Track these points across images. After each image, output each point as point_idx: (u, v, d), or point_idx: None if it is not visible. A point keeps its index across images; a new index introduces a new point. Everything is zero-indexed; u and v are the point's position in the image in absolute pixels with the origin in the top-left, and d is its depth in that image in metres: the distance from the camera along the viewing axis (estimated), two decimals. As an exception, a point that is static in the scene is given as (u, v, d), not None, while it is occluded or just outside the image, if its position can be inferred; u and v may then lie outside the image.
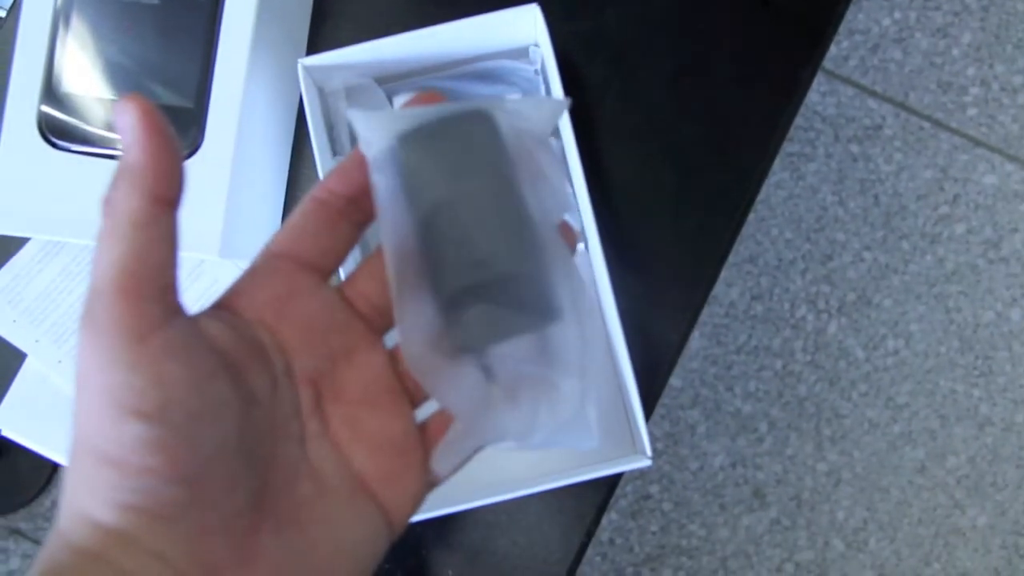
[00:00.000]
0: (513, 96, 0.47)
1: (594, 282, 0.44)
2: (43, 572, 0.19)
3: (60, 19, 0.43)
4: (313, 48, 0.51)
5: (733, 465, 1.19)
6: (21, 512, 1.09)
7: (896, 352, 1.19)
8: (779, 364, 1.19)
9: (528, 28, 0.45)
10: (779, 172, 1.20)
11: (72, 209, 0.42)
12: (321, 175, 0.43)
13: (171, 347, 0.20)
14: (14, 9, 0.51)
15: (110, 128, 0.43)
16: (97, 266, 0.20)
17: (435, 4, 0.50)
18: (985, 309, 1.18)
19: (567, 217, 0.45)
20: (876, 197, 1.19)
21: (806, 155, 1.20)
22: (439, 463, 0.24)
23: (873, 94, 1.20)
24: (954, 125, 1.20)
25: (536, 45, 0.46)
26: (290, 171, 0.51)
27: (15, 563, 1.11)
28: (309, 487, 0.23)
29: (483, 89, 0.47)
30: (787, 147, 1.20)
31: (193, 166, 0.42)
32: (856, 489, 1.18)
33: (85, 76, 0.43)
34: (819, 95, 1.20)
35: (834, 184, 1.20)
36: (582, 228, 0.45)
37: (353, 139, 0.47)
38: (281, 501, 0.22)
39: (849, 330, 1.19)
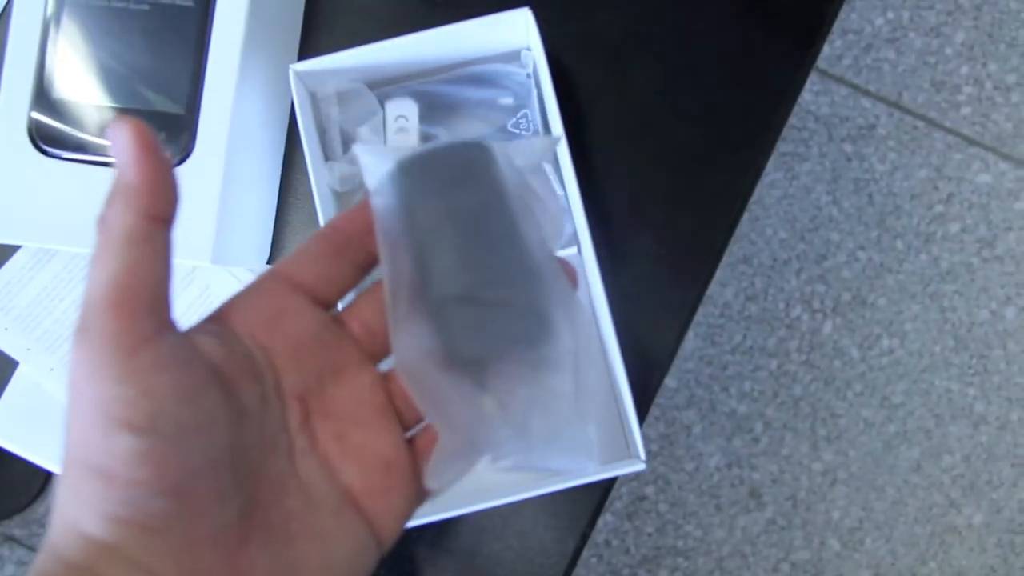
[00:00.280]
0: (505, 100, 0.47)
1: (587, 283, 0.44)
2: None
3: (50, 26, 0.43)
4: (305, 53, 0.51)
5: (729, 466, 1.19)
6: (16, 519, 1.08)
7: (891, 351, 1.19)
8: (774, 364, 1.19)
9: (520, 32, 0.45)
10: (773, 172, 1.20)
11: (63, 216, 0.42)
12: (313, 180, 0.43)
13: (162, 360, 0.20)
14: (4, 15, 0.50)
15: (101, 135, 0.43)
16: (91, 281, 0.20)
17: (426, 8, 0.50)
18: (980, 308, 1.19)
19: (564, 222, 0.45)
20: (870, 196, 1.20)
21: (800, 155, 1.20)
22: (431, 479, 0.24)
23: (867, 93, 1.20)
24: (948, 124, 1.20)
25: (528, 49, 0.46)
26: (282, 177, 0.50)
27: (10, 570, 1.11)
28: (298, 501, 0.23)
29: (475, 93, 0.47)
30: (781, 147, 1.20)
31: (184, 172, 0.42)
32: (852, 489, 1.18)
33: (76, 82, 0.43)
34: (813, 95, 1.21)
35: (828, 184, 1.20)
36: (575, 229, 0.45)
37: (345, 145, 0.46)
38: (270, 515, 0.22)
39: (844, 330, 1.19)
